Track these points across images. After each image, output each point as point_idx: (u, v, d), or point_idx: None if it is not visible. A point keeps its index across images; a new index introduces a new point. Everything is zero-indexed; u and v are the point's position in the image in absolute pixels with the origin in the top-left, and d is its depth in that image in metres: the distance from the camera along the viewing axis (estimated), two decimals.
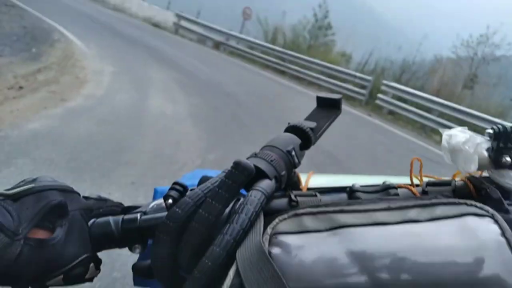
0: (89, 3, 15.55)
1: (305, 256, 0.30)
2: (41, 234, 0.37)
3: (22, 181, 0.40)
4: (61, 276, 0.38)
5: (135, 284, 0.50)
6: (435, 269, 0.28)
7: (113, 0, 17.44)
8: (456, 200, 0.34)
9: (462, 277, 0.28)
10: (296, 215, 0.34)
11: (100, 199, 0.45)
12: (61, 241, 0.38)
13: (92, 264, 0.41)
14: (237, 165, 0.37)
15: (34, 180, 0.40)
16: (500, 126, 0.41)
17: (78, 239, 0.40)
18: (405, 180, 0.44)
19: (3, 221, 0.35)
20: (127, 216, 0.42)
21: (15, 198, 0.37)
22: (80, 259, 0.39)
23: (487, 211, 0.32)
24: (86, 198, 0.44)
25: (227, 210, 0.37)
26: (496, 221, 0.31)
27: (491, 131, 0.41)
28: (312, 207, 0.36)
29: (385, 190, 0.41)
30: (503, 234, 0.30)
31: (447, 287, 0.27)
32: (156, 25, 14.55)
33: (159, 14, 15.37)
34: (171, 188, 0.40)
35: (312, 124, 0.48)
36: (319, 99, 0.52)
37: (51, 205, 0.38)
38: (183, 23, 14.04)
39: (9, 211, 0.36)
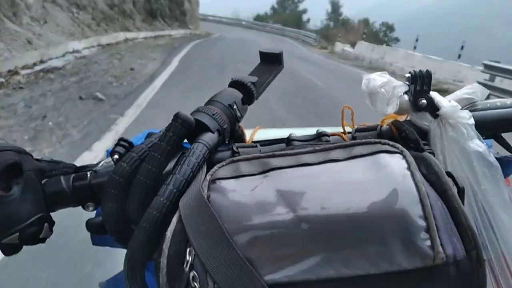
0: (332, 64, 12.60)
1: (239, 197, 0.33)
2: None
3: None
4: (17, 235, 0.39)
5: (93, 243, 0.51)
6: (350, 203, 0.31)
7: (368, 54, 13.08)
8: (372, 140, 0.37)
9: (372, 210, 0.30)
10: (233, 161, 0.37)
11: (52, 161, 0.46)
12: (17, 199, 0.39)
13: (46, 224, 0.42)
14: (176, 117, 0.39)
15: None
16: (416, 71, 0.44)
17: (32, 198, 0.41)
18: (339, 129, 0.48)
19: None
20: (77, 175, 0.44)
21: None
22: (35, 217, 0.40)
23: (398, 148, 0.35)
24: (38, 160, 0.45)
25: (172, 162, 0.39)
26: (405, 157, 0.34)
27: (408, 75, 0.45)
28: (248, 154, 0.38)
29: (318, 137, 0.45)
30: (409, 168, 0.33)
31: (359, 220, 0.30)
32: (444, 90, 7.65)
33: (440, 69, 9.71)
34: (117, 144, 0.42)
35: (254, 79, 0.49)
36: (262, 54, 0.53)
37: (6, 164, 0.39)
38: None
39: None
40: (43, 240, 0.42)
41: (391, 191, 0.31)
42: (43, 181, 0.43)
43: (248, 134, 0.51)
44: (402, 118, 0.48)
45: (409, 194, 0.31)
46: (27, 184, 0.41)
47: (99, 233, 0.43)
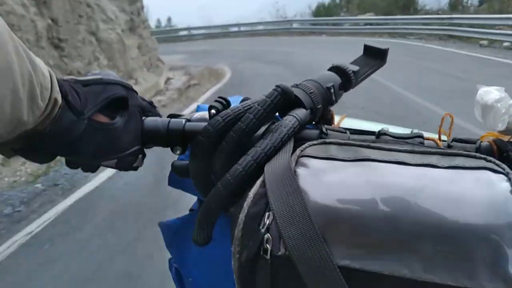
0: None
1: (327, 179, 0.33)
2: (103, 119, 0.42)
3: (89, 72, 0.44)
4: (115, 160, 0.43)
5: (169, 184, 0.54)
6: (442, 212, 0.30)
7: None
8: (477, 154, 0.35)
9: (465, 224, 0.29)
10: (325, 143, 0.37)
11: (151, 104, 0.49)
12: (119, 128, 0.42)
13: (140, 156, 0.46)
14: (278, 87, 0.40)
15: (100, 73, 0.44)
16: None
17: (133, 131, 0.44)
18: (434, 135, 0.46)
19: (72, 100, 0.39)
20: (173, 120, 0.46)
21: (85, 84, 0.41)
22: (134, 148, 0.44)
23: (503, 169, 0.34)
24: (142, 99, 0.48)
25: (263, 129, 0.40)
26: (510, 179, 0.32)
27: None
28: (340, 139, 0.38)
29: (413, 138, 0.43)
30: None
31: (449, 230, 0.29)
32: None
33: None
34: (216, 101, 0.44)
35: (355, 68, 0.49)
36: (366, 48, 0.53)
37: (115, 96, 0.42)
38: None
39: (78, 93, 0.40)
40: (135, 168, 0.46)
41: (490, 211, 0.30)
42: (142, 118, 0.46)
43: (335, 120, 0.50)
44: (504, 137, 0.45)
45: (509, 218, 0.30)
46: (130, 117, 0.44)
47: (182, 175, 0.46)
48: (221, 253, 0.46)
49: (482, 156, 0.35)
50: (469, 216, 0.30)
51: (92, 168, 0.44)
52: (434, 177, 0.33)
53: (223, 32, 19.53)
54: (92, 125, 0.40)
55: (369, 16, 17.28)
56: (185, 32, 19.11)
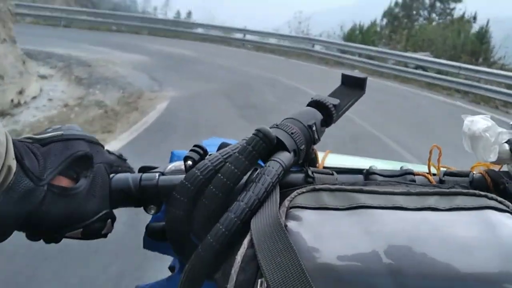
0: None
1: (321, 232, 0.30)
2: (65, 183, 0.37)
3: (50, 128, 0.40)
4: (80, 230, 0.38)
5: (144, 246, 0.49)
6: (451, 260, 0.28)
7: None
8: (477, 192, 0.33)
9: (477, 271, 0.27)
10: (314, 190, 0.34)
11: (120, 157, 0.45)
12: (84, 192, 0.38)
13: (109, 220, 0.41)
14: (259, 132, 0.37)
15: (61, 128, 0.40)
16: None
17: (100, 193, 0.39)
18: (422, 168, 0.44)
19: (28, 165, 0.34)
20: (145, 175, 0.42)
21: (44, 143, 0.37)
22: (101, 214, 0.39)
23: (508, 206, 0.32)
24: (109, 152, 0.43)
25: (244, 179, 0.37)
26: None
27: None
28: (330, 184, 0.36)
29: (403, 175, 0.41)
30: None
31: (461, 280, 0.27)
32: None
33: None
34: (192, 150, 0.40)
35: (336, 101, 0.47)
36: (344, 77, 0.51)
37: (77, 155, 0.38)
38: None
39: (36, 155, 0.36)
40: (104, 236, 0.41)
41: (501, 255, 0.28)
42: (110, 176, 0.42)
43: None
44: (494, 167, 0.43)
45: None
46: (96, 177, 0.39)
47: (158, 239, 0.42)
48: None
49: (483, 193, 0.33)
50: (479, 263, 0.28)
51: (55, 239, 0.39)
52: (436, 222, 0.31)
53: (222, 38, 14.55)
54: (52, 192, 0.35)
55: (423, 55, 11.18)
56: (181, 28, 14.89)
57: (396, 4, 17.27)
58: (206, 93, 6.45)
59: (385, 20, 16.99)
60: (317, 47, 13.34)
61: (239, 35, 14.63)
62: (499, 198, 0.33)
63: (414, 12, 17.63)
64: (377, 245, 0.28)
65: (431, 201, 0.33)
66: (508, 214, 0.31)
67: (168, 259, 0.56)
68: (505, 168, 0.43)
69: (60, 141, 0.38)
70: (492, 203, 0.32)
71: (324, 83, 7.14)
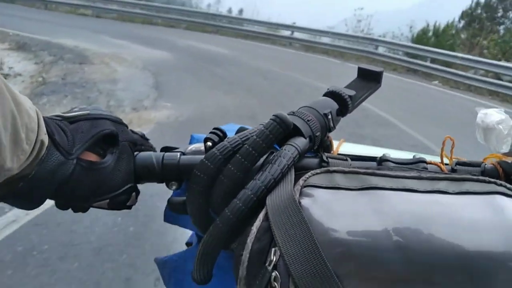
0: None
1: (334, 209, 0.31)
2: (92, 157, 0.40)
3: (76, 107, 0.42)
4: (107, 201, 0.41)
5: (165, 219, 0.52)
6: (458, 239, 0.29)
7: None
8: (487, 179, 0.34)
9: (485, 251, 0.28)
10: (329, 171, 0.36)
11: (143, 137, 0.47)
12: (110, 167, 0.40)
13: (134, 193, 0.43)
14: (276, 117, 0.38)
15: (88, 108, 0.42)
16: None
17: (125, 168, 0.42)
18: (435, 158, 0.45)
19: (59, 140, 0.37)
20: (168, 154, 0.45)
21: (72, 121, 0.39)
22: (126, 187, 0.42)
23: None
24: (133, 132, 0.46)
25: (261, 160, 0.39)
26: None
27: None
28: (344, 167, 0.37)
29: (415, 163, 0.42)
30: None
31: (467, 259, 0.28)
32: None
33: None
34: (211, 132, 0.42)
35: (351, 92, 0.48)
36: (360, 70, 0.53)
37: (104, 132, 0.40)
38: None
39: (65, 131, 0.38)
40: (129, 207, 0.44)
41: (507, 237, 0.29)
42: (135, 154, 0.44)
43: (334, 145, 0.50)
44: (507, 159, 0.44)
45: None
46: (121, 154, 0.42)
47: (179, 212, 0.44)
48: None
49: (492, 180, 0.34)
50: (486, 243, 0.29)
51: (83, 209, 0.42)
52: (445, 204, 0.32)
53: (267, 35, 12.56)
54: (81, 165, 0.38)
55: None
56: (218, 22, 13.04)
57: (477, 4, 13.66)
58: (220, 115, 4.32)
59: (462, 22, 13.39)
60: (381, 49, 11.08)
61: (286, 33, 12.49)
62: (508, 185, 0.33)
63: (499, 14, 13.96)
64: (387, 223, 0.30)
65: (441, 185, 0.34)
66: None
67: (186, 237, 0.59)
68: None
69: (87, 120, 0.40)
70: (501, 189, 0.33)
71: (407, 102, 5.43)
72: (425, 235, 0.29)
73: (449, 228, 0.29)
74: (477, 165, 0.43)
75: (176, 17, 13.50)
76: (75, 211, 0.42)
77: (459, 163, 0.43)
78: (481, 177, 0.35)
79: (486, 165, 0.43)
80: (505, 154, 0.42)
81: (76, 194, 0.39)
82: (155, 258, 0.57)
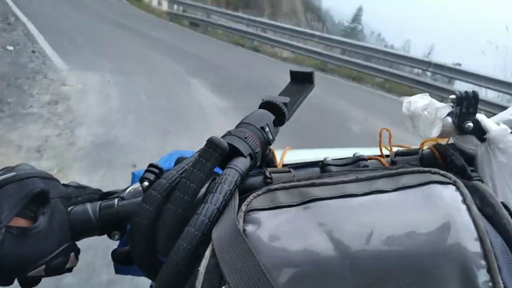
0: None
1: (278, 231, 0.31)
2: (23, 223, 0.37)
3: (1, 169, 0.39)
4: (43, 267, 0.38)
5: (116, 272, 0.50)
6: (401, 239, 0.29)
7: None
8: (421, 169, 0.35)
9: (425, 247, 0.29)
10: (270, 190, 0.35)
11: (79, 187, 0.44)
12: (43, 230, 0.37)
13: (72, 254, 0.40)
14: (210, 142, 0.37)
15: (14, 168, 0.39)
16: (462, 92, 0.42)
17: (59, 228, 0.39)
18: (376, 151, 0.46)
19: None
20: (104, 202, 0.42)
21: None
22: (62, 248, 0.39)
23: (450, 178, 0.33)
24: (65, 185, 0.43)
25: (203, 189, 0.38)
26: (458, 188, 0.32)
27: (454, 96, 0.43)
28: (285, 182, 0.36)
29: (356, 162, 0.43)
30: (464, 201, 0.31)
31: (411, 258, 0.28)
32: None
33: None
34: (147, 171, 0.40)
35: (286, 99, 0.48)
36: (293, 74, 0.52)
37: (33, 193, 0.38)
38: None
39: None
40: (69, 270, 0.40)
41: (446, 227, 0.29)
42: (69, 209, 0.41)
43: (277, 154, 0.49)
44: (442, 141, 0.45)
45: (467, 229, 0.29)
46: (53, 212, 0.39)
47: (126, 263, 0.42)
48: None
49: (426, 169, 0.35)
50: (428, 238, 0.29)
51: (9, 281, 0.38)
52: (384, 204, 0.32)
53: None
54: (11, 233, 0.35)
55: None
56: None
57: None
58: None
59: None
60: None
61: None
62: (442, 172, 0.34)
63: None
64: (330, 236, 0.30)
65: (379, 184, 0.34)
66: (451, 186, 0.33)
67: None
68: (452, 141, 0.45)
69: (13, 182, 0.38)
70: (435, 177, 0.33)
71: None
72: (368, 241, 0.29)
73: (389, 228, 0.30)
74: (415, 152, 0.44)
75: (375, 66, 7.75)
76: (3, 285, 0.38)
77: (397, 154, 0.44)
78: (415, 168, 0.35)
79: (423, 151, 0.44)
80: (440, 137, 0.43)
81: (7, 265, 0.36)
82: None
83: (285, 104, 0.47)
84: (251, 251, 0.30)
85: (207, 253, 0.32)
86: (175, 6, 13.08)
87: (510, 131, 0.40)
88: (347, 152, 0.46)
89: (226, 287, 0.29)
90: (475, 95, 0.41)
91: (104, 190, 0.47)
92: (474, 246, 0.28)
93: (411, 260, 0.28)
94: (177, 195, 0.36)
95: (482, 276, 0.27)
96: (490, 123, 0.41)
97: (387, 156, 0.45)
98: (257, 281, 0.28)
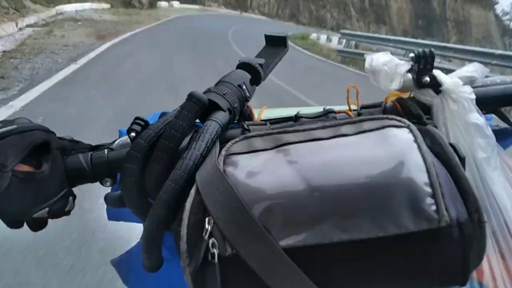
0: None
1: (254, 171, 0.35)
2: (27, 169, 0.40)
3: (1, 122, 0.42)
4: (47, 209, 0.41)
5: (109, 218, 0.53)
6: (360, 173, 0.33)
7: None
8: (380, 116, 0.39)
9: (381, 179, 0.33)
10: (246, 137, 0.39)
11: (72, 140, 0.47)
12: (47, 175, 0.41)
13: (71, 198, 0.44)
14: (191, 96, 0.41)
15: (13, 122, 0.42)
16: (420, 50, 0.46)
17: (59, 174, 0.43)
18: (345, 107, 0.50)
19: None
20: (95, 153, 0.46)
21: (0, 137, 0.39)
22: (62, 192, 0.43)
23: (404, 123, 0.37)
24: (60, 138, 0.46)
25: (187, 139, 0.41)
26: (411, 131, 0.36)
27: (412, 54, 0.47)
28: (260, 131, 0.40)
29: (325, 114, 0.47)
30: (415, 140, 0.35)
31: (369, 188, 0.32)
32: None
33: None
34: (133, 123, 0.43)
35: (261, 61, 0.51)
36: (267, 38, 0.56)
37: (36, 142, 0.41)
38: None
39: None
40: (68, 213, 0.44)
41: (399, 162, 0.33)
42: (63, 158, 0.45)
43: (255, 113, 0.52)
44: (405, 96, 0.49)
45: (416, 164, 0.33)
46: (54, 161, 0.42)
47: (118, 206, 0.45)
48: (180, 273, 0.47)
49: (384, 116, 0.39)
50: (383, 171, 0.33)
51: (19, 223, 0.42)
52: (345, 145, 0.36)
53: None
54: (17, 177, 0.38)
55: None
56: None
57: None
58: None
59: None
60: None
61: None
62: (398, 118, 0.38)
63: None
64: (300, 173, 0.34)
65: (343, 129, 0.38)
66: (405, 129, 0.37)
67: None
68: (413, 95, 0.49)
69: (16, 134, 0.40)
70: (392, 122, 0.38)
71: None
72: (332, 175, 0.33)
73: (351, 165, 0.34)
74: (378, 105, 0.48)
75: None
76: (11, 226, 0.42)
77: (363, 107, 0.48)
78: (375, 116, 0.39)
79: (386, 105, 0.48)
80: (401, 91, 0.48)
81: (15, 207, 0.39)
82: (111, 261, 0.58)
83: (260, 65, 0.50)
84: (230, 187, 0.33)
85: (192, 191, 0.36)
86: (344, 41, 9.63)
87: (462, 83, 0.45)
88: (319, 109, 0.50)
89: (209, 218, 0.33)
90: (431, 53, 0.45)
91: None
92: (422, 177, 0.32)
93: (367, 190, 0.32)
94: (162, 142, 0.39)
95: (428, 200, 0.32)
96: (444, 77, 0.45)
97: (355, 110, 0.49)
98: (237, 212, 0.32)
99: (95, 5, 17.99)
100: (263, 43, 0.55)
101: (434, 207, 0.31)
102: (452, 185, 0.33)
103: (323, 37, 14.57)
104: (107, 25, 12.21)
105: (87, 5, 16.92)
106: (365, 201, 0.32)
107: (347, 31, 10.29)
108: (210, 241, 0.33)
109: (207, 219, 0.34)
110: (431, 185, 0.32)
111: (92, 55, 7.56)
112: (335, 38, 12.54)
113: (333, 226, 0.32)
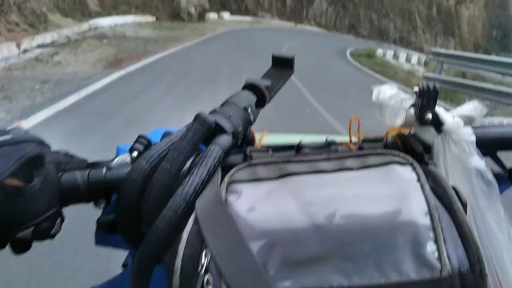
0: None
1: (256, 201, 0.34)
2: (16, 183, 0.38)
3: None
4: (31, 229, 0.39)
5: (96, 243, 0.50)
6: (364, 213, 0.32)
7: None
8: (384, 151, 0.39)
9: (383, 219, 0.32)
10: (251, 165, 0.38)
11: (67, 155, 0.45)
12: (37, 191, 0.38)
13: (58, 220, 0.42)
14: (197, 118, 0.39)
15: (9, 131, 0.40)
16: (424, 85, 0.46)
17: (49, 192, 0.40)
18: (346, 139, 0.50)
19: None
20: (93, 170, 0.43)
21: None
22: (50, 212, 0.40)
23: (408, 160, 0.38)
24: (55, 152, 0.44)
25: (188, 164, 0.40)
26: (414, 169, 0.36)
27: (416, 89, 0.47)
28: (264, 158, 0.40)
29: (327, 146, 0.46)
30: (419, 180, 0.35)
31: (370, 229, 0.31)
32: None
33: None
34: (136, 142, 0.42)
35: (267, 82, 0.51)
36: (274, 58, 0.55)
37: (30, 155, 0.39)
38: None
39: None
40: (52, 236, 0.41)
41: (402, 202, 0.33)
42: (58, 174, 0.43)
43: (256, 137, 0.52)
44: (406, 131, 0.50)
45: (419, 205, 0.33)
46: (46, 176, 0.40)
47: (109, 231, 0.43)
48: None
49: (388, 151, 0.39)
50: (387, 211, 0.32)
51: (2, 243, 0.40)
52: (350, 180, 0.36)
53: None
54: (5, 191, 0.36)
55: None
56: None
57: None
58: None
59: None
60: None
61: None
62: (402, 154, 0.38)
63: None
64: (303, 206, 0.33)
65: (347, 163, 0.38)
66: (408, 167, 0.37)
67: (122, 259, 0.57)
68: (414, 131, 0.50)
69: (9, 145, 0.38)
70: (395, 159, 0.38)
71: None
72: (335, 212, 0.32)
73: (355, 203, 0.33)
74: (380, 140, 0.48)
75: None
76: None
77: (364, 140, 0.48)
78: (379, 151, 0.39)
79: (388, 139, 0.48)
80: (403, 126, 0.48)
81: (1, 222, 0.37)
82: (91, 287, 0.55)
83: (266, 87, 0.50)
84: (231, 218, 0.32)
85: (190, 220, 0.34)
86: (438, 65, 6.39)
87: (463, 124, 0.45)
88: (320, 138, 0.49)
89: (206, 251, 0.32)
90: (435, 89, 0.46)
91: None
92: (424, 220, 0.32)
93: (370, 231, 0.31)
94: (164, 166, 0.38)
95: (430, 245, 0.31)
96: (446, 116, 0.45)
97: (356, 143, 0.49)
98: (235, 247, 0.31)
99: (139, 18, 16.61)
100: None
101: (436, 254, 0.31)
102: (454, 231, 0.33)
103: (389, 53, 11.86)
104: (137, 44, 10.49)
105: (129, 18, 15.46)
106: (367, 243, 0.31)
107: (440, 50, 6.94)
108: (206, 277, 0.31)
109: (204, 251, 0.32)
110: (433, 229, 0.32)
111: (61, 105, 4.55)
112: (402, 55, 10.78)
113: (334, 269, 0.31)
